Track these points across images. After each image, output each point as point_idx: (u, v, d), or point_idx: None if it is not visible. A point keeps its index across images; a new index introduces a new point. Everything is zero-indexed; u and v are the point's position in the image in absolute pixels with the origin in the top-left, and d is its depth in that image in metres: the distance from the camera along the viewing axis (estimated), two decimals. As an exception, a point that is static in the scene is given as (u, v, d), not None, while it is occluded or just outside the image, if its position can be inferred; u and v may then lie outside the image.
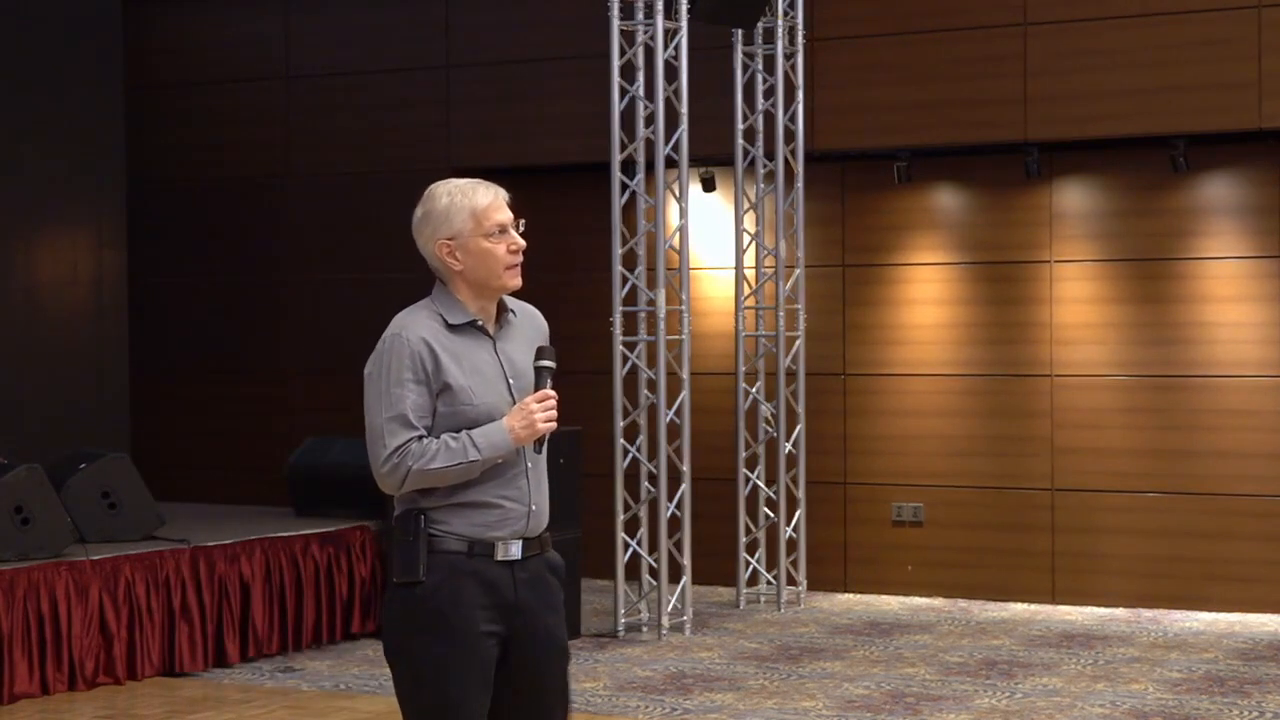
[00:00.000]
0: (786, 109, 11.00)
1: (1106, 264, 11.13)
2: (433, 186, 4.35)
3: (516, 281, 4.34)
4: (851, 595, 11.54)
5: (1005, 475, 11.32)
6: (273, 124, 12.93)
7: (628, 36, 10.16)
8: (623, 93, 10.07)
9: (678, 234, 10.26)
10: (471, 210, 4.29)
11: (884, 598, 11.41)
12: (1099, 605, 10.97)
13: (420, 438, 4.19)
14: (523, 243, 4.33)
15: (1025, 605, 11.09)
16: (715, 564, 11.20)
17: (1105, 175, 11.19)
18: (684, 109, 10.13)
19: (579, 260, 12.19)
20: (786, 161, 11.03)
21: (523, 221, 4.36)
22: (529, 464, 4.30)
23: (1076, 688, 8.53)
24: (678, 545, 10.20)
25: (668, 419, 10.07)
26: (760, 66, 11.05)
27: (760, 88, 11.05)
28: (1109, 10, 10.70)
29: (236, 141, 13.03)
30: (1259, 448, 10.74)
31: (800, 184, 11.01)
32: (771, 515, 11.12)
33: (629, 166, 10.18)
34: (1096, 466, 11.09)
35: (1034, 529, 11.22)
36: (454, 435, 4.20)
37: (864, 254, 11.71)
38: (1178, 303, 10.96)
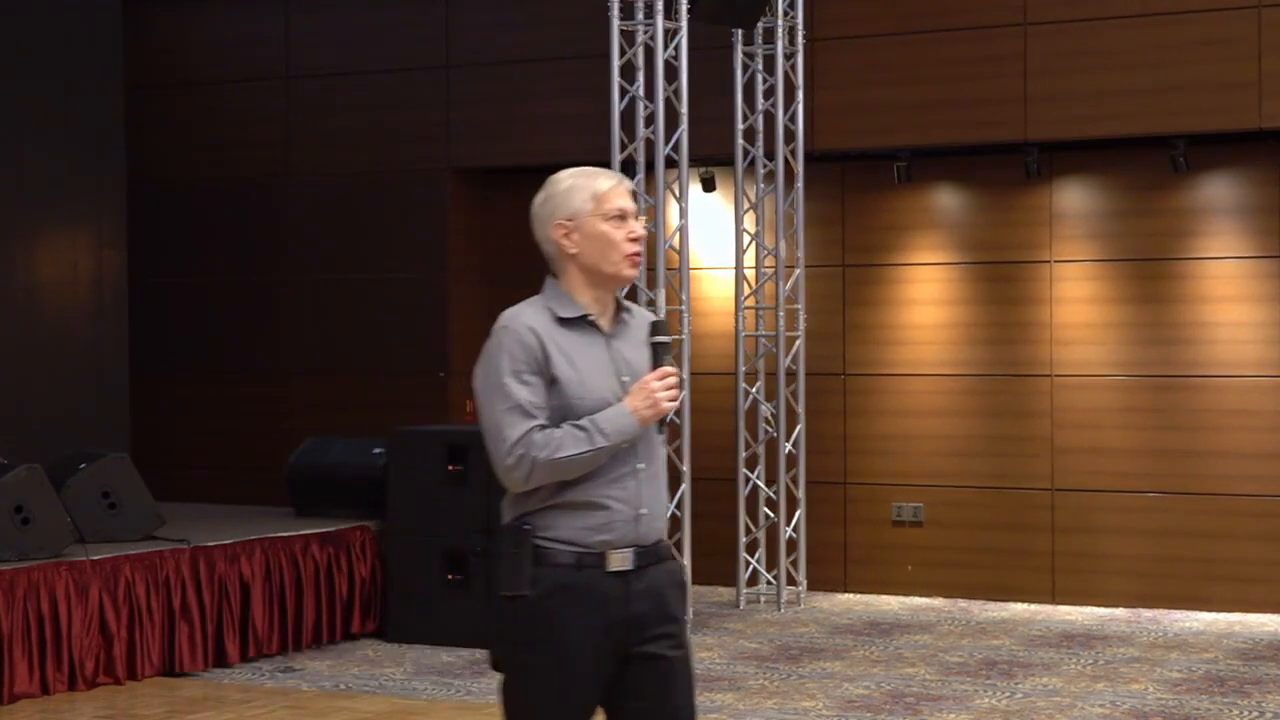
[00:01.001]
0: (786, 109, 11.00)
1: (1106, 264, 11.13)
2: (556, 174, 4.23)
3: (633, 271, 4.17)
4: (851, 595, 11.54)
5: (1005, 475, 11.32)
6: (273, 124, 12.93)
7: (628, 36, 10.16)
8: (623, 93, 10.07)
9: (678, 234, 10.26)
10: (593, 192, 4.14)
11: (884, 598, 11.41)
12: (1099, 605, 10.97)
13: (541, 427, 4.01)
14: (643, 233, 4.19)
15: (1025, 605, 11.09)
16: (715, 564, 11.19)
17: (1105, 175, 11.19)
18: (684, 109, 10.13)
19: (579, 260, 12.17)
20: (786, 161, 11.03)
21: (644, 219, 4.27)
22: (639, 464, 4.15)
23: (1076, 688, 8.53)
24: (678, 545, 10.20)
25: (668, 419, 10.05)
26: (760, 66, 11.05)
27: (760, 88, 11.06)
28: (1109, 10, 10.70)
29: (236, 141, 13.03)
30: (1259, 448, 10.74)
31: (800, 184, 11.01)
32: (771, 515, 11.12)
33: (629, 166, 10.18)
34: (1096, 466, 11.09)
35: (1034, 529, 11.22)
36: (577, 423, 4.03)
37: (864, 254, 11.71)
38: (1178, 303, 10.96)
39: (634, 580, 4.08)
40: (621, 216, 4.15)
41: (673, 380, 4.13)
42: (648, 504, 4.14)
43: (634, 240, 4.16)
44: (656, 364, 4.17)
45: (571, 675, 4.04)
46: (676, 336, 4.16)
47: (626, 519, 4.09)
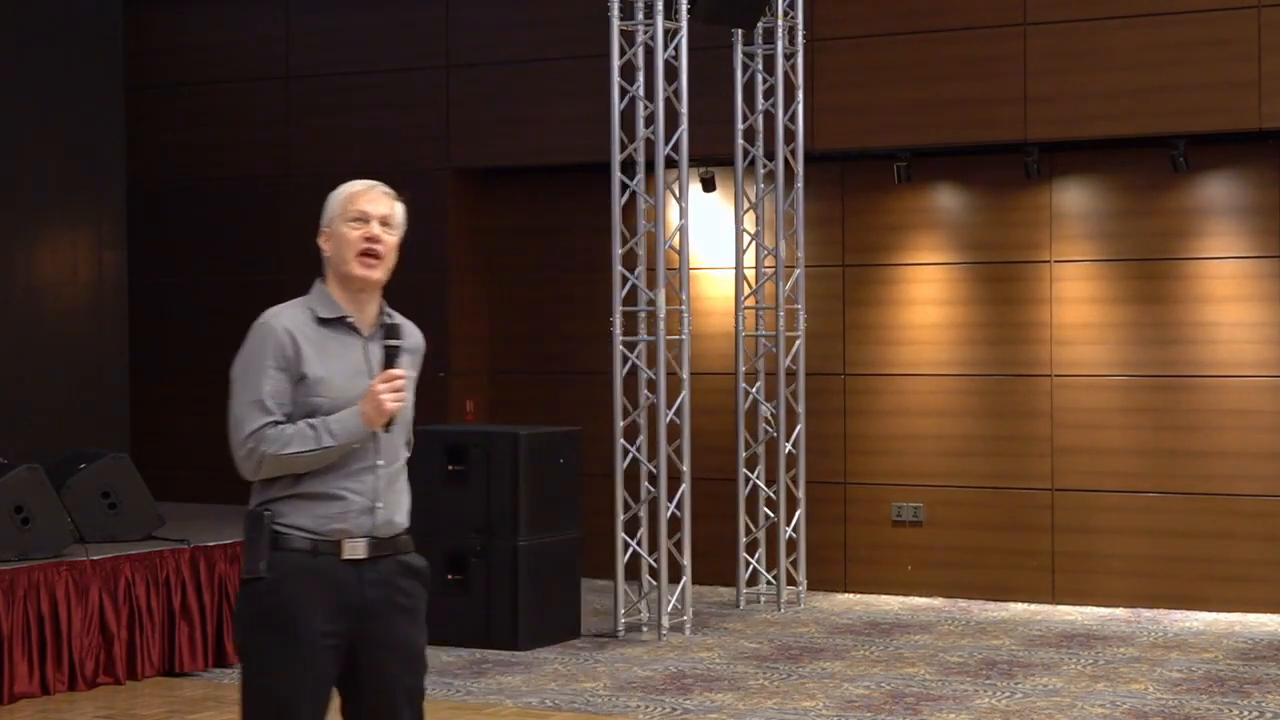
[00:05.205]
0: (786, 109, 11.00)
1: (1106, 264, 11.13)
2: None
3: (364, 272, 4.34)
4: (851, 595, 11.54)
5: (1005, 475, 11.32)
6: (273, 124, 12.93)
7: (628, 36, 10.16)
8: (623, 93, 10.07)
9: (678, 234, 10.26)
10: (342, 198, 4.38)
11: (884, 598, 11.41)
12: (1099, 605, 10.98)
13: (276, 423, 4.26)
14: (380, 235, 4.34)
15: (1025, 605, 11.09)
16: (715, 564, 11.20)
17: (1105, 175, 11.19)
18: (684, 109, 10.13)
19: (579, 260, 12.20)
20: (786, 161, 11.03)
21: (397, 229, 4.38)
22: (379, 461, 4.33)
23: (1076, 688, 8.53)
24: (678, 545, 10.20)
25: (668, 419, 10.07)
26: (760, 66, 11.05)
27: (760, 88, 11.06)
28: (1109, 10, 10.70)
29: (236, 141, 13.03)
30: (1259, 448, 10.74)
31: (800, 184, 11.01)
32: (771, 515, 11.12)
33: (629, 166, 10.18)
34: (1096, 466, 11.09)
35: (1034, 529, 11.22)
36: (310, 421, 4.25)
37: (864, 254, 11.71)
38: (1178, 303, 10.96)
39: (367, 569, 4.27)
40: (362, 219, 4.34)
41: (399, 383, 4.28)
42: (384, 499, 4.34)
43: (368, 240, 4.33)
44: (386, 366, 4.30)
45: (307, 656, 4.21)
46: (399, 342, 4.32)
47: (361, 510, 4.29)
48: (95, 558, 8.63)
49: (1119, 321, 11.09)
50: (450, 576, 9.73)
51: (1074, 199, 11.24)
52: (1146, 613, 10.75)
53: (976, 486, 11.39)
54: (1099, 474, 11.09)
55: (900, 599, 11.36)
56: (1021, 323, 11.30)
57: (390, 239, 4.37)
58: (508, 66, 12.17)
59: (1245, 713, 7.97)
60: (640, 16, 10.10)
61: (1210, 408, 10.85)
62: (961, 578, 11.35)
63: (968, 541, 11.39)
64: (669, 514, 10.09)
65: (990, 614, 10.79)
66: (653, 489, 10.14)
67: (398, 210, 4.41)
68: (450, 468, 9.75)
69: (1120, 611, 10.82)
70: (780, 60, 10.94)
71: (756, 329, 11.17)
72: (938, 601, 11.24)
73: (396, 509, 4.37)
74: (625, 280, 10.06)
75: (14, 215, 11.43)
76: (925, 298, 11.56)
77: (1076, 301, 11.18)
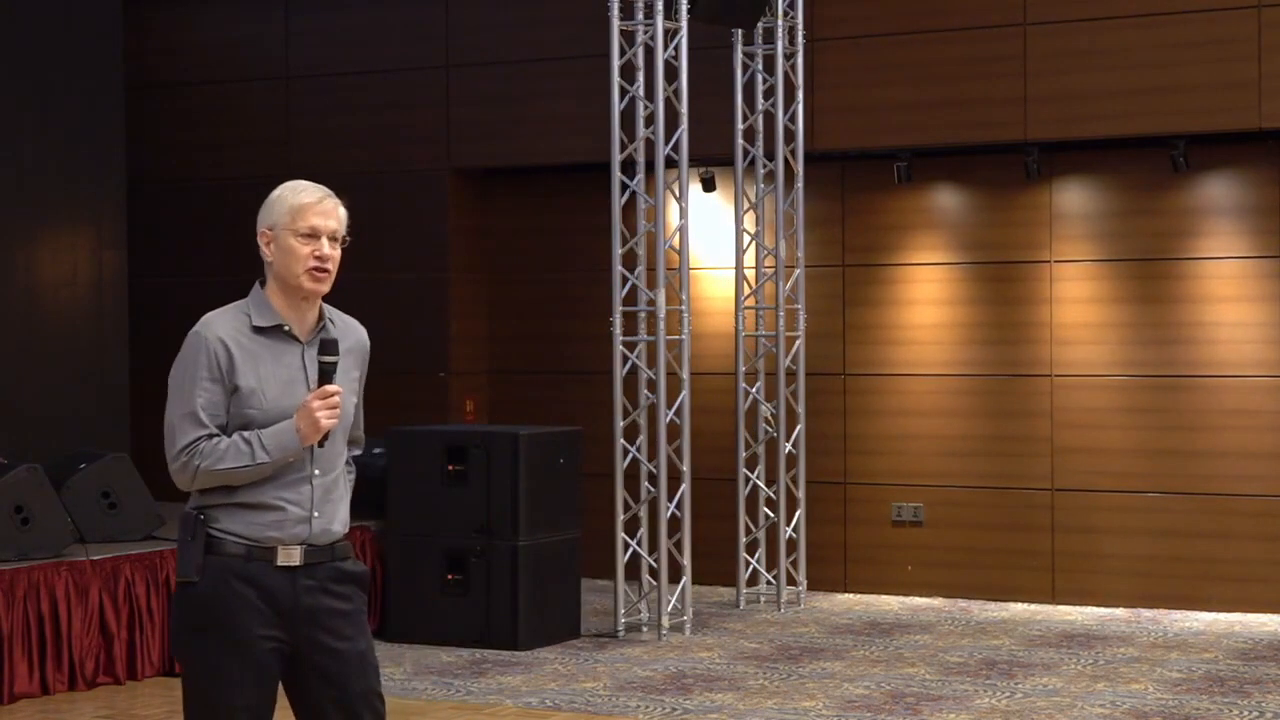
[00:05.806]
0: (786, 109, 11.00)
1: (1106, 264, 11.13)
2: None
3: (314, 286, 4.34)
4: (851, 595, 11.54)
5: (1005, 475, 11.32)
6: (273, 124, 12.93)
7: (628, 36, 10.16)
8: (623, 93, 10.07)
9: (678, 234, 10.27)
10: (291, 206, 4.34)
11: (884, 598, 11.41)
12: (1099, 605, 10.98)
13: (210, 436, 4.26)
14: (329, 253, 4.34)
15: (1025, 605, 11.09)
16: (715, 564, 11.20)
17: (1105, 175, 11.19)
18: (684, 109, 10.13)
19: (579, 260, 12.19)
20: (786, 161, 11.03)
21: (346, 239, 4.40)
22: (315, 470, 4.30)
23: (1076, 688, 8.53)
24: (678, 545, 10.20)
25: (668, 419, 10.07)
26: (760, 66, 11.05)
27: (760, 88, 11.06)
28: (1109, 10, 10.70)
29: (236, 141, 13.03)
30: (1259, 448, 10.74)
31: (800, 184, 11.01)
32: (771, 515, 11.12)
33: (629, 166, 10.18)
34: (1096, 466, 11.09)
35: (1034, 529, 11.22)
36: (245, 436, 4.23)
37: (864, 254, 11.71)
38: (1178, 303, 10.96)
39: (302, 576, 4.27)
40: (312, 235, 4.33)
41: (335, 400, 4.27)
42: (320, 509, 4.32)
43: (318, 258, 4.33)
44: (322, 382, 4.29)
45: (247, 658, 4.21)
46: (334, 358, 4.32)
47: (297, 520, 4.28)
48: (95, 558, 8.64)
49: (1119, 321, 11.09)
50: (450, 576, 9.73)
51: (1074, 199, 11.24)
52: (1146, 613, 10.75)
53: (976, 486, 11.39)
54: (1099, 474, 11.09)
55: (900, 599, 11.36)
56: (1021, 323, 11.30)
57: (337, 253, 4.38)
58: (508, 66, 12.17)
59: (1245, 713, 7.97)
60: (640, 16, 10.10)
61: (1210, 408, 10.85)
62: (961, 578, 11.35)
63: (968, 541, 11.39)
64: (669, 514, 10.09)
65: (990, 614, 10.79)
66: (653, 489, 10.14)
67: (344, 220, 4.41)
68: (450, 468, 9.75)
69: (1120, 611, 10.82)
70: (780, 60, 10.94)
71: (756, 329, 11.17)
72: (938, 601, 11.24)
73: (334, 517, 4.35)
74: (625, 280, 10.06)
75: (14, 215, 11.42)
76: (925, 298, 11.56)
77: (1076, 301, 11.18)
